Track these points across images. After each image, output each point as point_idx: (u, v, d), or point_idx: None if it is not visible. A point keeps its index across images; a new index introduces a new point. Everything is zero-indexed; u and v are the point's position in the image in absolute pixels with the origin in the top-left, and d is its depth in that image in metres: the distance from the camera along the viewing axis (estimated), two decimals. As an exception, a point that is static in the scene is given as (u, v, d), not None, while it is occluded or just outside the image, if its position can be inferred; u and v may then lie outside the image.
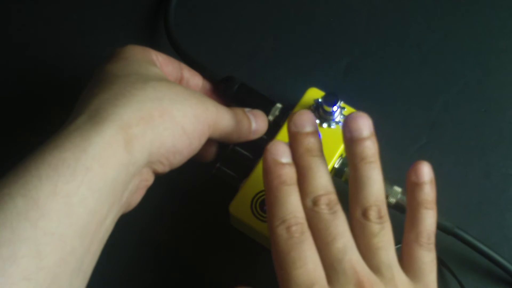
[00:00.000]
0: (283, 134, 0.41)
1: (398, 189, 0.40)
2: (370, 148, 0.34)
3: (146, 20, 0.52)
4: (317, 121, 0.41)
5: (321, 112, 0.41)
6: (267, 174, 0.33)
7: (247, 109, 0.41)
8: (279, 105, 0.43)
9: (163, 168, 0.35)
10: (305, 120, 0.35)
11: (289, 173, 0.33)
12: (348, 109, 0.42)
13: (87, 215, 0.29)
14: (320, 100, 0.41)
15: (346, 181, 0.41)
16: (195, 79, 0.44)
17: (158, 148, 0.33)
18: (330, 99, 0.40)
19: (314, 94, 0.42)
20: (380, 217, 0.32)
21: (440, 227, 0.40)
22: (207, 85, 0.45)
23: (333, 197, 0.33)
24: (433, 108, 0.47)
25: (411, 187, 0.35)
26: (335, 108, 0.40)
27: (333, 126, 0.41)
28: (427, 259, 0.33)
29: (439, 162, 0.45)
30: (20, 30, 0.52)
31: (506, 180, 0.45)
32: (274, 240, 0.32)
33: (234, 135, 0.39)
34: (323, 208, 0.32)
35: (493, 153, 0.46)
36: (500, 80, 0.48)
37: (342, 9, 0.52)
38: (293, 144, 0.34)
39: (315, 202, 0.32)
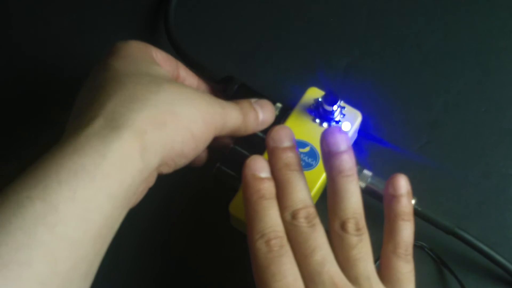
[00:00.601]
0: (283, 134, 0.41)
1: (398, 188, 0.40)
2: (347, 161, 0.34)
3: (146, 20, 0.52)
4: (317, 121, 0.41)
5: (321, 112, 0.41)
6: (246, 189, 0.34)
7: (253, 100, 0.41)
8: (279, 105, 0.43)
9: (168, 170, 0.36)
10: (283, 135, 0.35)
11: (268, 188, 0.34)
12: (348, 109, 0.42)
13: (102, 220, 0.30)
14: (320, 99, 0.41)
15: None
16: (191, 79, 0.44)
17: (168, 152, 0.33)
18: (330, 99, 0.40)
19: (314, 93, 0.42)
20: (358, 229, 0.33)
21: (440, 227, 0.40)
22: (202, 85, 0.45)
23: (312, 210, 0.33)
24: (433, 108, 0.47)
25: (389, 200, 0.35)
26: (335, 107, 0.40)
27: (333, 125, 0.41)
28: (405, 270, 0.33)
29: (439, 162, 0.45)
30: (20, 30, 0.52)
31: (506, 180, 0.45)
32: (253, 254, 0.32)
33: (241, 129, 0.39)
34: (302, 221, 0.33)
35: (493, 153, 0.46)
36: (500, 80, 0.48)
37: (342, 9, 0.52)
38: (272, 159, 0.35)
39: (294, 216, 0.33)
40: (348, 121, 0.41)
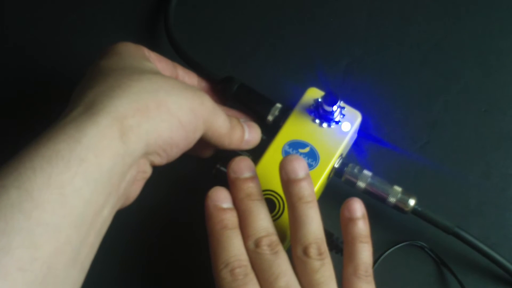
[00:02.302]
0: (283, 134, 0.41)
1: (398, 188, 0.40)
2: (306, 188, 0.35)
3: (146, 20, 0.52)
4: (317, 121, 0.41)
5: (321, 112, 0.41)
6: (209, 219, 0.35)
7: (242, 119, 0.42)
8: (279, 105, 0.43)
9: (160, 160, 0.35)
10: (243, 166, 0.36)
11: (230, 218, 0.35)
12: (348, 109, 0.42)
13: (82, 205, 0.29)
14: (320, 99, 0.41)
15: (346, 181, 0.41)
16: (191, 78, 0.44)
17: (155, 139, 0.33)
18: (330, 99, 0.40)
19: (314, 94, 0.42)
20: (320, 253, 0.34)
21: (440, 227, 0.40)
22: (202, 84, 0.45)
23: (274, 238, 0.34)
24: (433, 108, 0.47)
25: (345, 223, 0.36)
26: (335, 107, 0.40)
27: (333, 126, 0.41)
28: None
29: (439, 162, 0.45)
30: (20, 30, 0.52)
31: (506, 180, 0.45)
32: (218, 283, 0.33)
33: (226, 140, 0.39)
34: (265, 249, 0.34)
35: (493, 153, 0.46)
36: (500, 80, 0.48)
37: (342, 9, 0.52)
38: (233, 189, 0.36)
39: (257, 244, 0.34)
40: (348, 121, 0.41)
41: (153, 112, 0.33)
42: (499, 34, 0.50)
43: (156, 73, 0.36)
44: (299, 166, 0.35)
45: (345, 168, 0.41)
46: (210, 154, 0.44)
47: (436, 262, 0.42)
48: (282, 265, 0.33)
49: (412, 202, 0.40)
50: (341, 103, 0.42)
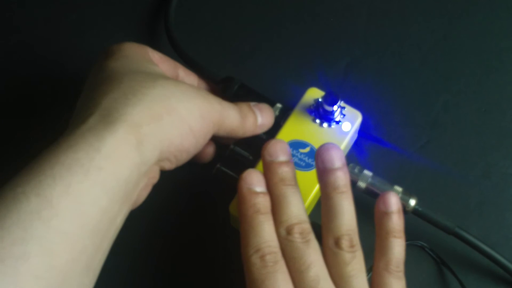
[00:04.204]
0: (283, 134, 0.41)
1: (398, 188, 0.40)
2: (342, 178, 0.35)
3: (146, 20, 0.52)
4: (317, 121, 0.41)
5: (321, 112, 0.41)
6: (242, 203, 0.34)
7: (253, 103, 0.41)
8: (279, 105, 0.43)
9: (170, 165, 0.36)
10: (279, 149, 0.36)
11: (263, 202, 0.34)
12: (348, 109, 0.42)
13: (99, 214, 0.30)
14: (320, 99, 0.41)
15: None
16: (191, 78, 0.44)
17: (167, 146, 0.34)
18: (330, 99, 0.40)
19: (314, 94, 0.42)
20: (352, 246, 0.33)
21: (441, 227, 0.40)
22: (202, 84, 0.45)
23: (306, 226, 0.34)
24: (433, 108, 0.47)
25: (380, 217, 0.36)
26: (335, 107, 0.40)
27: (333, 126, 0.41)
28: (397, 286, 0.34)
29: (439, 162, 0.45)
30: (20, 30, 0.52)
31: (506, 180, 0.45)
32: (248, 269, 0.33)
33: (239, 131, 0.39)
34: (296, 237, 0.33)
35: (493, 153, 0.46)
36: (500, 80, 0.48)
37: (342, 9, 0.52)
38: (267, 173, 0.35)
39: (289, 231, 0.33)
40: (348, 121, 0.41)
41: (166, 119, 0.33)
42: (499, 34, 0.50)
43: (167, 78, 0.36)
44: (336, 156, 0.35)
45: (346, 168, 0.41)
46: (210, 159, 0.43)
47: (436, 262, 0.42)
48: (313, 255, 0.33)
49: (412, 202, 0.40)
50: (342, 103, 0.42)
